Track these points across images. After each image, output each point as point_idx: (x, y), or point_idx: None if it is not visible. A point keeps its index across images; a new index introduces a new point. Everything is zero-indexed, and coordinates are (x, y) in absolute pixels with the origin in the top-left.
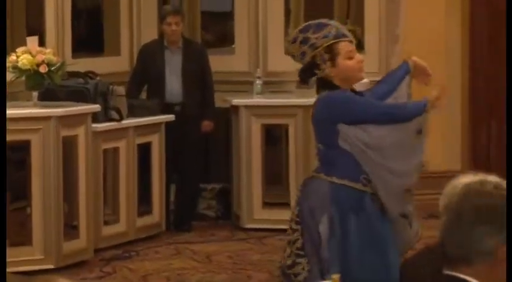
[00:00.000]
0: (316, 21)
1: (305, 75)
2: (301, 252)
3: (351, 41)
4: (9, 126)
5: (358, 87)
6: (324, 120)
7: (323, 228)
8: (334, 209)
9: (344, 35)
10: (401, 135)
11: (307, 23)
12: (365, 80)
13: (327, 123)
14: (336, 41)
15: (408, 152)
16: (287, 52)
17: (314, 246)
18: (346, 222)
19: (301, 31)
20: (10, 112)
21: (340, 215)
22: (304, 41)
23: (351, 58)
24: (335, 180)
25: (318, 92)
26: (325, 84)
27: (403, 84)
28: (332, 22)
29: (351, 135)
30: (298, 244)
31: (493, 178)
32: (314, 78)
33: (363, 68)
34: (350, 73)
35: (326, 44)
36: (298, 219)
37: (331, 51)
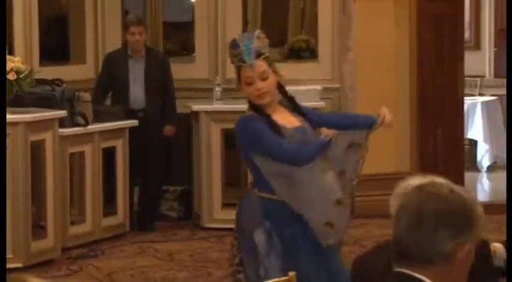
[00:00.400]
0: (233, 39)
1: None
2: (240, 269)
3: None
4: None
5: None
6: (239, 142)
7: (259, 241)
8: (268, 223)
9: (243, 61)
10: (309, 174)
11: (233, 39)
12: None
13: (242, 145)
14: (239, 64)
15: (318, 190)
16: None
17: (252, 258)
18: (283, 235)
19: (229, 45)
20: None
21: (276, 228)
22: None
23: (249, 84)
24: (265, 195)
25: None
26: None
27: (359, 133)
28: (241, 44)
29: (265, 164)
30: (237, 260)
31: (441, 180)
32: None
33: (263, 95)
34: (250, 98)
35: (235, 65)
36: (236, 234)
37: (238, 74)
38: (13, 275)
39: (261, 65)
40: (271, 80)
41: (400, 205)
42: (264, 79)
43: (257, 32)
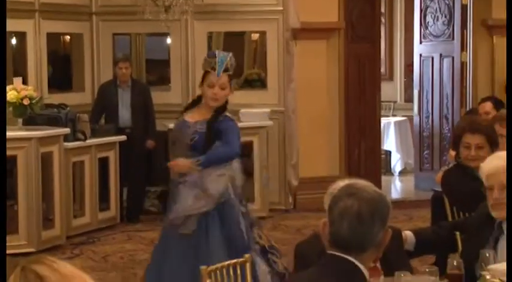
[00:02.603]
0: (213, 51)
1: None
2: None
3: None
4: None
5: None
6: None
7: None
8: None
9: (213, 68)
10: None
11: (213, 50)
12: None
13: None
14: (208, 70)
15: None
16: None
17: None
18: None
19: (208, 54)
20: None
21: None
22: None
23: (210, 87)
24: None
25: None
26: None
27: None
28: (218, 56)
29: None
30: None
31: (365, 182)
32: None
33: (215, 100)
34: (205, 98)
35: (205, 69)
36: None
37: (203, 76)
38: (31, 257)
39: (224, 78)
40: (226, 92)
41: (338, 208)
42: (222, 89)
43: (231, 54)
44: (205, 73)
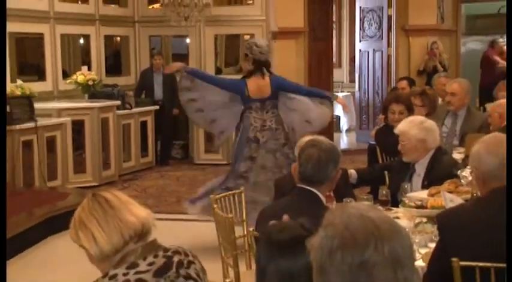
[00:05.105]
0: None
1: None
2: None
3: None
4: (74, 112)
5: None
6: None
7: None
8: None
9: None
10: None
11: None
12: None
13: None
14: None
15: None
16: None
17: None
18: None
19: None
20: (74, 105)
21: None
22: None
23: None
24: None
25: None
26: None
27: (317, 101)
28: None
29: None
30: None
31: (322, 137)
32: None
33: None
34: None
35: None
36: None
37: (244, 58)
38: (95, 189)
39: None
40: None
41: (304, 155)
42: None
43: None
44: (246, 56)
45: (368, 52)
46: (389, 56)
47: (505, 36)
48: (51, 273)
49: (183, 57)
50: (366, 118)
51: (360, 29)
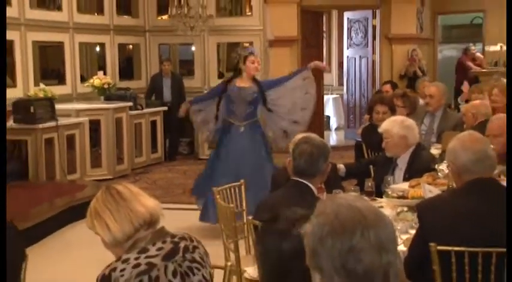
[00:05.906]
0: (248, 46)
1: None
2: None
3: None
4: (91, 113)
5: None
6: None
7: None
8: None
9: (253, 53)
10: None
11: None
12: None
13: None
14: (247, 55)
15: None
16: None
17: None
18: None
19: (245, 47)
20: (91, 106)
21: None
22: None
23: (252, 63)
24: None
25: None
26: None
27: (298, 76)
28: (251, 49)
29: None
30: None
31: (314, 135)
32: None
33: (257, 69)
34: (249, 70)
35: (244, 55)
36: None
37: (244, 59)
38: (110, 182)
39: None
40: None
41: (298, 150)
42: (259, 63)
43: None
44: (245, 57)
45: (355, 58)
46: (374, 62)
47: (477, 44)
48: (70, 257)
49: (189, 63)
50: (353, 118)
51: (348, 37)
